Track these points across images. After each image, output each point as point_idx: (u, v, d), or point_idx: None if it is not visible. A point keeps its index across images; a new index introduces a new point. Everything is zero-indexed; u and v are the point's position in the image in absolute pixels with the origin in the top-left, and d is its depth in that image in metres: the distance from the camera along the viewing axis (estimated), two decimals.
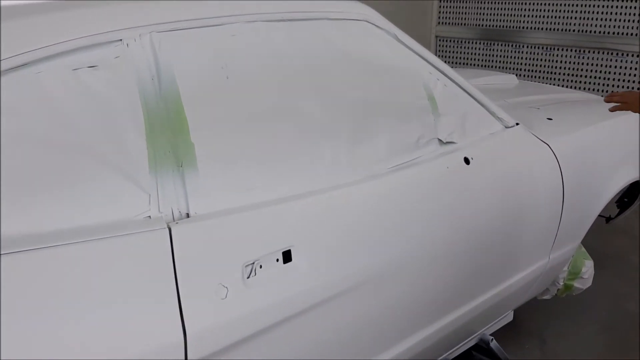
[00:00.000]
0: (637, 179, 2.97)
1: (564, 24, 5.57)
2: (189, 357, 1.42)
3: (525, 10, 5.79)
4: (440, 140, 2.14)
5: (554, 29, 5.65)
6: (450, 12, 6.36)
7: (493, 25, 6.06)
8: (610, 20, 5.30)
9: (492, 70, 6.00)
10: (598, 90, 5.49)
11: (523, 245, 2.45)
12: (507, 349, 2.94)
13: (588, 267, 3.03)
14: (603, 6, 5.31)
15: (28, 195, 1.33)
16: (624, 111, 2.43)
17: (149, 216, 1.45)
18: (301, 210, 1.70)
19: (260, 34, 1.76)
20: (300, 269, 1.65)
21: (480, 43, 6.20)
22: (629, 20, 5.22)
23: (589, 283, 3.08)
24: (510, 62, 6.01)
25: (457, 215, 2.10)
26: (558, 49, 5.67)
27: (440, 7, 6.42)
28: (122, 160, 1.44)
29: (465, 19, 6.26)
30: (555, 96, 3.31)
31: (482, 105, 2.35)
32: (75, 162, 1.39)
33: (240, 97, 1.67)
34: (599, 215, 3.05)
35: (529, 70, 5.89)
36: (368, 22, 2.04)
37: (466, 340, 2.61)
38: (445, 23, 6.43)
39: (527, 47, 5.86)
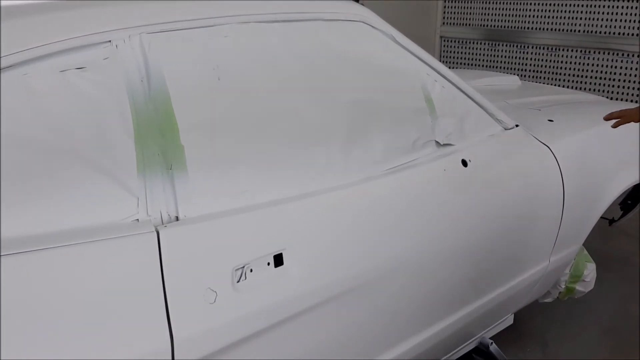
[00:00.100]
0: None
1: (569, 24, 5.53)
2: None
3: (530, 10, 5.76)
4: (437, 143, 2.12)
5: (559, 30, 5.61)
6: (454, 13, 6.33)
7: (498, 26, 6.03)
8: (615, 20, 5.26)
9: (495, 72, 5.98)
10: (603, 91, 5.46)
11: (522, 248, 2.42)
12: (508, 352, 2.92)
13: (590, 270, 3.00)
14: (608, 6, 5.28)
15: (14, 198, 1.31)
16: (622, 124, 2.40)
17: (137, 219, 1.44)
18: (294, 213, 1.68)
19: (253, 35, 1.74)
20: (292, 273, 1.63)
21: (484, 43, 6.17)
22: (634, 21, 5.18)
23: (591, 286, 3.05)
24: (515, 63, 5.98)
25: (454, 217, 2.08)
26: (563, 50, 5.64)
27: (444, 7, 6.39)
28: (110, 162, 1.42)
29: (470, 19, 6.23)
30: (557, 97, 3.28)
31: (481, 106, 2.33)
32: (62, 164, 1.37)
33: (232, 99, 1.65)
34: (602, 218, 3.03)
35: (533, 71, 5.85)
36: (364, 22, 2.02)
37: (465, 344, 2.58)
38: (450, 23, 6.40)
39: (532, 47, 5.83)
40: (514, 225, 2.32)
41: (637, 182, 2.92)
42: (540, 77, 5.82)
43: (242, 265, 1.53)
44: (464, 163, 2.14)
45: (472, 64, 6.30)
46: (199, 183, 1.53)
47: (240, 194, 1.61)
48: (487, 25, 6.10)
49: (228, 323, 1.49)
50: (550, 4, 5.60)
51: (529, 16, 5.77)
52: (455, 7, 6.31)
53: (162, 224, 1.46)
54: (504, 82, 3.67)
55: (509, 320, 2.85)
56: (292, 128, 1.75)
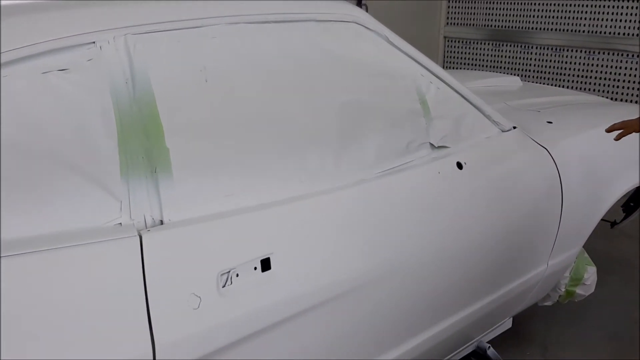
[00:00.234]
0: None
1: (574, 24, 5.49)
2: None
3: (534, 10, 5.72)
4: (432, 145, 2.09)
5: (563, 30, 5.58)
6: (458, 13, 6.30)
7: (502, 26, 5.99)
8: (620, 21, 5.22)
9: (497, 72, 5.95)
10: (607, 91, 5.41)
11: (519, 251, 2.39)
12: (507, 356, 2.90)
13: (591, 274, 2.97)
14: (613, 7, 5.24)
15: None
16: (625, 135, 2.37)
17: (120, 223, 1.42)
18: (282, 217, 1.66)
19: (242, 36, 1.72)
20: (280, 278, 1.60)
21: (488, 44, 6.14)
22: (638, 21, 5.13)
23: (591, 289, 3.02)
24: (519, 63, 5.94)
25: (449, 221, 2.05)
26: (567, 50, 5.60)
27: (448, 7, 6.37)
28: (92, 165, 1.40)
29: (473, 19, 6.20)
30: (558, 99, 3.24)
31: (477, 108, 2.30)
32: (44, 168, 1.36)
33: (220, 101, 1.63)
34: (604, 220, 2.99)
35: (537, 72, 5.82)
36: (357, 23, 1.99)
37: (463, 347, 2.55)
38: (454, 24, 6.37)
39: (536, 48, 5.79)
40: (510, 229, 2.29)
41: (639, 185, 2.88)
42: (544, 78, 5.78)
43: (227, 270, 1.51)
44: (459, 166, 2.11)
45: (475, 65, 6.27)
46: (184, 186, 1.51)
47: (227, 198, 1.58)
48: (491, 26, 6.07)
49: (212, 328, 1.46)
50: (554, 4, 5.56)
51: (533, 16, 5.73)
52: (459, 7, 6.28)
53: (146, 228, 1.44)
54: (505, 83, 3.63)
55: (507, 324, 2.82)
56: (281, 130, 1.73)
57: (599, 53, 5.41)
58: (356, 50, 1.98)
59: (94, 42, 1.47)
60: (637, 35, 5.15)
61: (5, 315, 1.23)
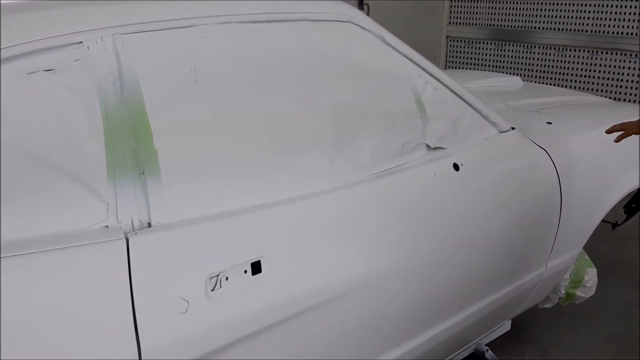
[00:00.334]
0: None
1: (577, 24, 5.46)
2: None
3: (537, 10, 5.69)
4: (428, 146, 2.07)
5: (566, 30, 5.54)
6: (461, 12, 6.27)
7: (504, 26, 5.96)
8: (624, 20, 5.18)
9: (498, 72, 5.92)
10: (611, 91, 5.38)
11: (517, 253, 2.36)
12: (507, 358, 2.87)
13: (591, 276, 2.94)
14: (617, 6, 5.20)
15: None
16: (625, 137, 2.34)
17: (107, 226, 1.40)
18: (274, 219, 1.64)
19: (234, 36, 1.70)
20: (270, 281, 1.58)
21: (491, 43, 6.11)
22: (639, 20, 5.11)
23: (592, 292, 2.99)
24: (522, 63, 5.91)
25: (445, 222, 2.03)
26: (570, 50, 5.57)
27: (451, 7, 6.34)
28: (78, 167, 1.39)
29: (476, 19, 6.17)
30: (559, 99, 3.21)
31: (475, 109, 2.27)
32: (29, 169, 1.34)
33: (211, 101, 1.61)
34: (606, 222, 2.96)
35: (540, 72, 5.79)
36: (352, 23, 1.97)
37: (461, 350, 2.53)
38: (456, 23, 6.34)
39: (539, 47, 5.76)
40: (507, 231, 2.27)
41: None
42: (547, 78, 5.75)
43: (217, 273, 1.49)
44: (456, 167, 2.09)
45: (478, 64, 6.24)
46: (173, 188, 1.49)
47: (217, 200, 1.56)
48: (494, 25, 6.04)
49: (200, 333, 1.44)
50: (557, 4, 5.53)
51: (536, 16, 5.70)
52: (461, 6, 6.25)
53: (133, 230, 1.42)
54: (505, 83, 3.60)
55: (506, 326, 2.80)
56: (274, 131, 1.71)
57: (602, 53, 5.38)
58: (351, 51, 1.96)
59: (81, 42, 1.45)
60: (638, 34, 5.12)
61: None
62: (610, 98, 5.33)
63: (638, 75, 5.20)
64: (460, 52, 6.38)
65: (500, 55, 6.06)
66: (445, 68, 6.46)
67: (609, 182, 2.70)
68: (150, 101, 1.50)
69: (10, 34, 1.37)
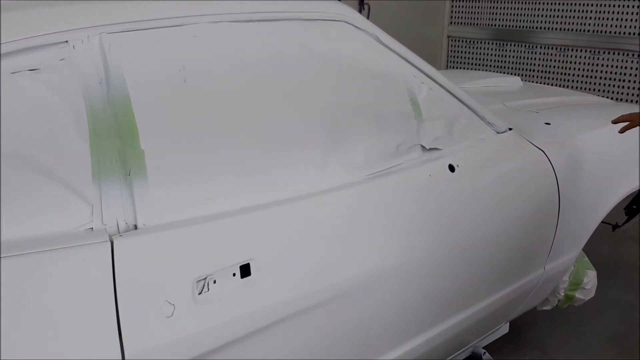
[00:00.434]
0: None
1: (579, 24, 5.42)
2: None
3: (538, 10, 5.65)
4: (423, 147, 2.04)
5: (568, 30, 5.50)
6: (462, 12, 6.24)
7: (506, 26, 5.93)
8: (626, 20, 5.14)
9: (498, 72, 5.89)
10: (613, 92, 5.34)
11: (514, 255, 2.34)
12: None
13: (591, 278, 2.92)
14: (619, 6, 5.16)
15: None
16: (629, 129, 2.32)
17: (91, 228, 1.37)
18: (265, 221, 1.61)
19: (224, 35, 1.67)
20: (260, 284, 1.56)
21: (492, 43, 6.08)
22: None
23: (591, 294, 2.96)
24: (523, 63, 5.87)
25: (440, 225, 2.00)
26: (572, 50, 5.53)
27: (452, 6, 6.30)
28: (63, 168, 1.36)
29: (477, 18, 6.13)
30: (558, 99, 3.18)
31: (471, 109, 2.25)
32: (13, 170, 1.32)
33: (200, 102, 1.59)
34: (606, 223, 2.93)
35: (542, 72, 5.75)
36: (346, 22, 1.94)
37: (457, 353, 2.50)
38: (458, 23, 6.31)
39: (541, 47, 5.72)
40: (504, 233, 2.24)
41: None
42: (548, 78, 5.72)
43: (204, 277, 1.46)
44: (451, 168, 2.06)
45: (479, 64, 6.21)
46: (160, 190, 1.47)
47: (207, 201, 1.54)
48: (495, 25, 6.01)
49: (187, 337, 1.42)
50: (559, 4, 5.50)
51: (538, 16, 5.67)
52: (462, 6, 6.22)
53: (119, 233, 1.39)
54: (505, 84, 3.57)
55: (503, 328, 2.77)
56: (265, 132, 1.68)
57: (604, 53, 5.34)
58: (345, 50, 1.93)
59: (66, 41, 1.43)
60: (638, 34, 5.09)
61: None
62: (612, 98, 5.30)
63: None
64: (462, 52, 6.35)
65: (502, 55, 6.02)
66: (447, 68, 6.44)
67: (609, 184, 2.67)
68: (137, 101, 1.48)
69: None
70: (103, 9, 1.51)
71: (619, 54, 5.25)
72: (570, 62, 5.57)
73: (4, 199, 1.29)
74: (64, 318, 1.28)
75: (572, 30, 5.48)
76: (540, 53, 5.74)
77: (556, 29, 5.57)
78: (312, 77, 1.83)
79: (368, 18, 5.17)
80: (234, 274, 1.52)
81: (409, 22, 5.90)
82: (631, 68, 5.20)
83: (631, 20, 5.12)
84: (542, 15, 5.65)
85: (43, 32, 1.40)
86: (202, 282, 1.46)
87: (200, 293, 1.45)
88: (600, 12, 5.28)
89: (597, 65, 5.41)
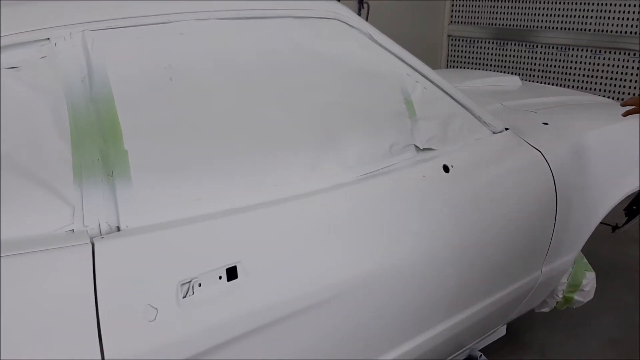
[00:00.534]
0: None
1: (580, 23, 5.39)
2: None
3: (539, 9, 5.62)
4: (417, 147, 2.01)
5: (569, 29, 5.47)
6: (462, 11, 6.21)
7: (506, 25, 5.89)
8: (627, 19, 5.11)
9: (497, 72, 5.86)
10: (614, 92, 5.30)
11: (511, 257, 2.30)
12: None
13: (589, 280, 2.88)
14: (620, 5, 5.13)
15: None
16: (632, 114, 2.30)
17: (72, 230, 1.34)
18: (251, 223, 1.58)
19: (212, 33, 1.64)
20: (247, 287, 1.52)
21: (493, 42, 6.04)
22: None
23: (590, 296, 2.92)
24: (524, 62, 5.84)
25: (434, 226, 1.97)
26: (573, 49, 5.49)
27: (452, 6, 6.28)
28: (42, 169, 1.33)
29: (478, 18, 6.10)
30: (557, 99, 3.15)
31: (467, 109, 2.21)
32: None
33: (187, 101, 1.55)
34: (606, 224, 2.90)
35: (542, 71, 5.72)
36: (339, 20, 1.91)
37: (454, 355, 2.47)
38: (458, 22, 6.28)
39: (541, 47, 5.69)
40: (500, 234, 2.20)
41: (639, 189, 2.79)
42: (549, 77, 5.68)
43: (189, 280, 1.43)
44: (446, 169, 2.03)
45: (479, 64, 6.18)
46: (144, 191, 1.43)
47: (193, 203, 1.50)
48: (495, 24, 5.97)
49: (170, 342, 1.38)
50: (559, 3, 5.46)
51: (538, 15, 5.63)
52: (463, 5, 6.19)
53: (100, 234, 1.36)
54: (504, 83, 3.53)
55: (500, 331, 2.74)
56: (254, 132, 1.65)
57: (605, 52, 5.30)
58: (337, 48, 1.90)
59: (48, 39, 1.40)
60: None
61: None
62: (612, 98, 5.27)
63: None
64: (462, 51, 6.32)
65: (502, 55, 5.99)
66: (447, 67, 6.41)
67: (607, 184, 2.64)
68: (120, 100, 1.44)
69: None
70: (86, 6, 1.48)
71: (619, 53, 5.21)
72: (571, 62, 5.53)
73: None
74: (41, 323, 1.25)
75: (572, 29, 5.45)
76: (540, 52, 5.70)
77: (557, 28, 5.54)
78: (304, 76, 1.79)
79: (367, 17, 5.15)
80: (220, 277, 1.48)
81: (409, 21, 5.88)
82: (632, 67, 5.16)
83: (632, 19, 5.08)
84: (542, 15, 5.61)
85: (24, 29, 1.37)
86: (187, 285, 1.42)
87: (184, 297, 1.42)
88: (601, 11, 5.24)
89: (598, 64, 5.38)
